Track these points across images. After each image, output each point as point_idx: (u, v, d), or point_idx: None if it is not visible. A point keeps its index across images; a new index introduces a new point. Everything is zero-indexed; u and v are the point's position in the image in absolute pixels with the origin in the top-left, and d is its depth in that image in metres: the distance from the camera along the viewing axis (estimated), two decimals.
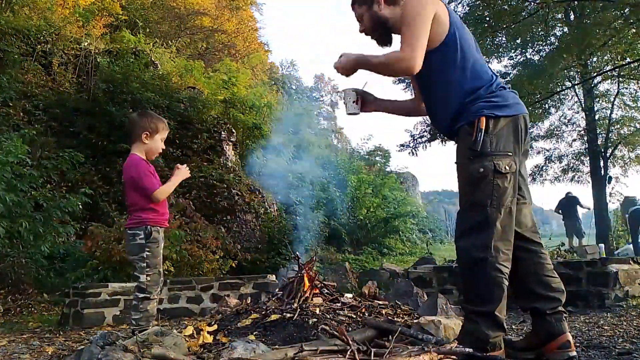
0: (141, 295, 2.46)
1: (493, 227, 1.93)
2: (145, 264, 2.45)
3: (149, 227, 2.46)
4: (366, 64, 2.09)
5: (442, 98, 2.12)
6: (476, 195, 1.97)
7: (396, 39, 2.18)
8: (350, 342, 1.90)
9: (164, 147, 2.70)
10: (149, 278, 2.46)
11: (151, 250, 2.47)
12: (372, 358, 1.81)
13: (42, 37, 10.11)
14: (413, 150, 12.76)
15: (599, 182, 11.88)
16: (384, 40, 2.23)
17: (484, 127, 1.95)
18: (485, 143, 1.95)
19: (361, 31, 2.24)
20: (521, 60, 11.89)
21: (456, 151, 2.11)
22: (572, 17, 10.92)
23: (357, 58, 2.11)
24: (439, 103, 2.16)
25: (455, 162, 2.10)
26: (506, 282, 1.95)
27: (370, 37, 2.24)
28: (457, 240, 2.05)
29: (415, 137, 12.82)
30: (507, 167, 1.95)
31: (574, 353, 2.05)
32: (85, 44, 10.91)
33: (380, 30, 2.20)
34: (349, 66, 2.13)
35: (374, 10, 2.17)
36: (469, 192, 2.01)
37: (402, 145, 13.24)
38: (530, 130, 13.63)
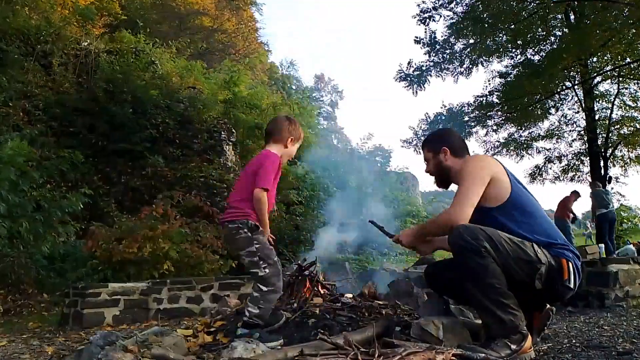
0: (265, 289, 2.29)
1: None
2: (257, 258, 2.30)
3: (250, 221, 2.31)
4: (424, 232, 2.45)
5: None
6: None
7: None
8: (353, 345, 1.90)
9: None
10: (267, 270, 2.29)
11: (260, 242, 2.33)
12: (375, 358, 1.81)
13: (42, 37, 10.11)
14: (416, 148, 12.77)
15: (599, 182, 11.89)
16: (443, 184, 2.50)
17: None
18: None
19: (426, 171, 2.53)
20: (521, 60, 11.89)
21: None
22: (572, 17, 10.92)
23: (417, 232, 2.46)
24: None
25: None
26: None
27: (432, 177, 2.52)
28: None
29: (419, 135, 12.83)
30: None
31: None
32: (85, 44, 10.91)
33: (441, 176, 2.46)
34: (411, 241, 2.47)
35: (439, 159, 2.42)
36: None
37: (405, 141, 13.25)
38: (531, 130, 13.70)
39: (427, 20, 11.56)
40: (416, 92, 12.26)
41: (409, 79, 12.18)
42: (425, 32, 11.80)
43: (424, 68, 12.13)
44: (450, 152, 2.39)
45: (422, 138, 12.74)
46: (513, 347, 2.00)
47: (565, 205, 10.45)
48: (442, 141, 2.44)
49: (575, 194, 10.50)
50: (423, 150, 2.52)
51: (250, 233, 2.31)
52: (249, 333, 2.23)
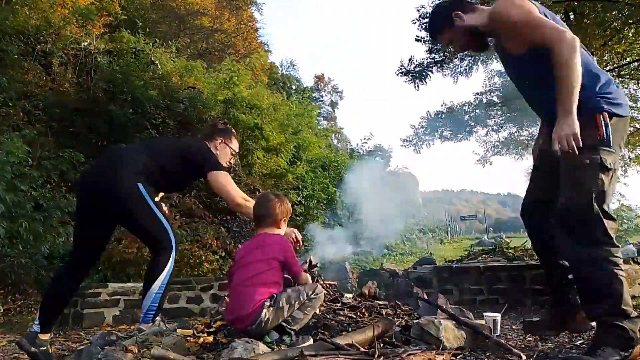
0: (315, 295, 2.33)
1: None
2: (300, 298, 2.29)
3: (272, 295, 2.25)
4: (573, 94, 1.91)
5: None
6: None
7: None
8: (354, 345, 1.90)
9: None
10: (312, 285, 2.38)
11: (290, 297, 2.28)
12: (375, 359, 1.81)
13: (42, 37, 10.10)
14: (416, 147, 12.78)
15: None
16: (482, 46, 2.28)
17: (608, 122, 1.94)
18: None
19: (460, 50, 2.33)
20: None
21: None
22: (572, 17, 10.92)
23: (566, 111, 1.91)
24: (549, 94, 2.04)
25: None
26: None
27: (469, 50, 2.31)
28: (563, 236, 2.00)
29: (419, 134, 12.84)
30: (612, 164, 1.96)
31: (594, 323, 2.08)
32: (85, 43, 10.90)
33: (475, 39, 2.23)
34: (575, 129, 1.91)
35: (459, 26, 2.19)
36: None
37: (405, 140, 13.25)
38: (531, 130, 13.71)
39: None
40: (418, 86, 12.25)
41: (410, 74, 12.17)
42: (427, 35, 11.81)
43: (424, 65, 12.13)
44: (463, 12, 2.19)
45: (423, 137, 12.77)
46: (623, 353, 1.88)
47: None
48: (445, 11, 2.23)
49: None
50: (438, 38, 2.31)
51: (279, 303, 2.22)
52: (280, 338, 2.24)
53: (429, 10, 11.49)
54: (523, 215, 2.37)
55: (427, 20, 11.85)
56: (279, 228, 2.49)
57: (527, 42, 2.04)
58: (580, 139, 1.89)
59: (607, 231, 1.93)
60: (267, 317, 2.18)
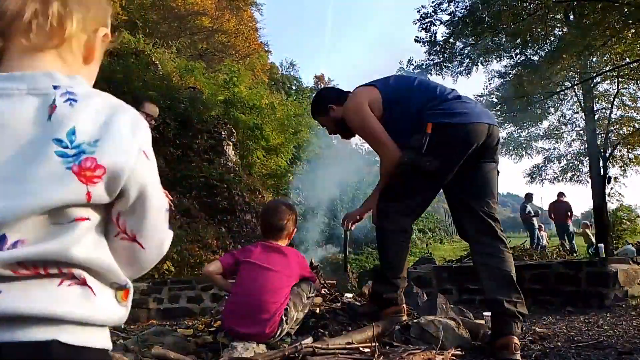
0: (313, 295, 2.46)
1: None
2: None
3: (285, 310, 2.24)
4: (373, 201, 2.58)
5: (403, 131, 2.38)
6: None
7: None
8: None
9: None
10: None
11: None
12: (375, 358, 1.81)
13: None
14: None
15: (598, 182, 11.89)
16: (347, 135, 2.65)
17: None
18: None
19: (330, 133, 2.74)
20: (521, 60, 11.90)
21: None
22: (571, 17, 10.93)
23: (368, 204, 2.70)
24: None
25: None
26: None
27: (336, 134, 2.70)
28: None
29: None
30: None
31: None
32: None
33: (341, 128, 2.61)
34: (368, 211, 2.70)
35: (331, 116, 2.61)
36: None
37: None
38: (530, 130, 13.70)
39: (429, 25, 11.58)
40: None
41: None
42: (426, 35, 11.83)
43: (424, 67, 12.14)
44: (336, 105, 2.57)
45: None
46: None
47: (563, 208, 10.62)
48: (324, 102, 2.64)
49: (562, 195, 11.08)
50: (316, 119, 2.75)
51: (291, 314, 2.24)
52: (280, 339, 2.26)
53: (430, 11, 11.51)
54: None
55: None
56: (290, 238, 2.46)
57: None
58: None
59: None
60: (285, 329, 2.22)
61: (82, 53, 0.78)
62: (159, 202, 0.70)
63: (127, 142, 0.66)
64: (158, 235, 0.72)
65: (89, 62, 0.80)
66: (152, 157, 0.70)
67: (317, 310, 2.59)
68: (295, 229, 2.48)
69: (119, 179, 0.64)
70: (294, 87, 24.32)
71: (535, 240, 10.59)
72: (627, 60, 10.29)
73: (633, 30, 8.98)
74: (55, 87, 0.66)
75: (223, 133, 10.84)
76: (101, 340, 0.68)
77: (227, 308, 2.31)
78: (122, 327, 3.24)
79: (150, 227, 0.70)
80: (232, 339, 2.20)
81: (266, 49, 24.53)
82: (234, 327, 2.19)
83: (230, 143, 10.98)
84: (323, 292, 2.91)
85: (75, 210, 0.64)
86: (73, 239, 0.63)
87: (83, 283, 0.65)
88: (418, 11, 11.56)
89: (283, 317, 2.18)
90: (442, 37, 11.91)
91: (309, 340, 2.17)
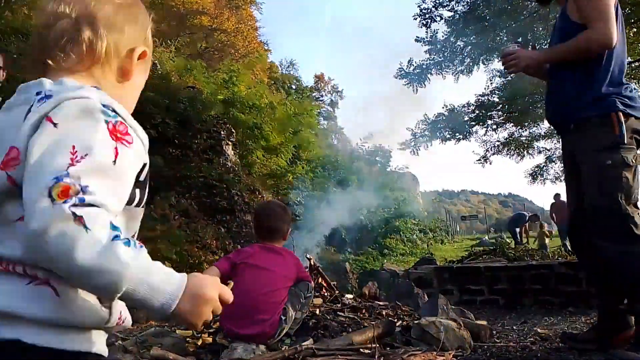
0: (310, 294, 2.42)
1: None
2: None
3: (284, 309, 2.26)
4: (556, 56, 2.16)
5: (581, 80, 2.10)
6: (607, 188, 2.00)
7: None
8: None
9: None
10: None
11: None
12: (375, 359, 1.80)
13: None
14: (414, 149, 12.76)
15: None
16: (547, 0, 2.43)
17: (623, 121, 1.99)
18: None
19: None
20: None
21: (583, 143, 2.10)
22: None
23: (545, 56, 2.22)
24: (574, 84, 2.12)
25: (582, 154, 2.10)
26: None
27: None
28: (597, 241, 2.03)
29: (417, 136, 12.82)
30: (633, 160, 2.00)
31: None
32: None
33: None
34: (534, 65, 2.22)
35: None
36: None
37: (403, 143, 13.24)
38: (531, 130, 13.67)
39: (429, 21, 11.54)
40: (416, 89, 12.24)
41: (409, 77, 12.16)
42: (427, 32, 11.79)
43: (424, 67, 12.12)
44: None
45: (421, 138, 12.77)
46: None
47: (565, 209, 10.69)
48: None
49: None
50: None
51: (289, 314, 2.25)
52: (280, 340, 2.26)
53: (430, 5, 11.47)
54: (571, 234, 2.35)
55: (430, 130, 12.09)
56: (285, 240, 2.47)
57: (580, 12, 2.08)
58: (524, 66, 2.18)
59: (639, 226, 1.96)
60: (285, 329, 2.23)
61: (117, 74, 0.81)
62: (38, 167, 0.61)
63: (33, 114, 0.66)
64: (28, 206, 0.60)
65: (123, 81, 0.83)
66: (61, 124, 0.65)
67: (317, 312, 2.57)
68: (290, 229, 2.48)
69: (23, 153, 0.64)
70: (293, 87, 24.30)
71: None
72: (628, 60, 10.28)
73: (634, 30, 8.97)
74: (37, 93, 0.69)
75: (222, 133, 10.83)
76: (77, 342, 0.66)
77: (224, 310, 2.30)
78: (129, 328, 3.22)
79: (24, 194, 0.61)
80: (232, 340, 2.18)
81: (266, 48, 24.54)
82: (233, 328, 2.18)
83: (230, 143, 10.97)
84: (323, 293, 2.90)
85: (14, 208, 0.65)
86: (16, 237, 0.63)
87: (45, 283, 0.64)
88: (418, 6, 11.52)
89: (282, 317, 2.19)
90: (443, 36, 11.89)
91: (309, 342, 2.15)
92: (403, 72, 12.24)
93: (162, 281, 0.64)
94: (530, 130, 13.44)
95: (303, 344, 2.09)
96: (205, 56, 17.63)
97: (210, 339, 2.37)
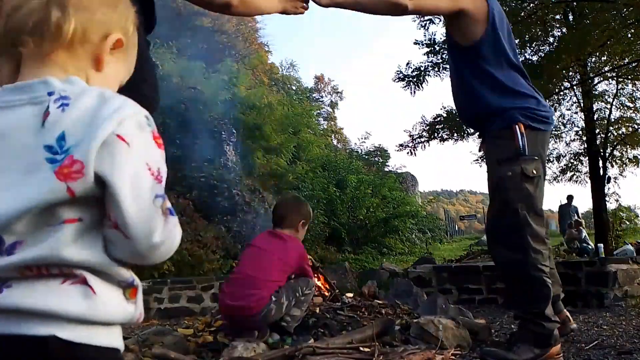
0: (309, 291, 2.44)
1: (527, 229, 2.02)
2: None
3: (276, 292, 2.31)
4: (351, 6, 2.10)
5: (478, 92, 2.16)
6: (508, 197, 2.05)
7: None
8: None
9: None
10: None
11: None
12: (374, 358, 1.82)
13: None
14: (412, 150, 12.76)
15: (598, 182, 11.90)
16: None
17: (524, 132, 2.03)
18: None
19: None
20: (520, 60, 11.88)
21: (490, 152, 2.21)
22: (570, 17, 10.93)
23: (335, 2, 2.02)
24: (473, 95, 2.19)
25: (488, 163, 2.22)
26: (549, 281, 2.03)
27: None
28: (493, 246, 2.16)
29: (414, 137, 12.81)
30: (534, 171, 2.04)
31: (574, 325, 2.34)
32: None
33: None
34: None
35: None
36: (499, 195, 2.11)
37: (400, 145, 13.24)
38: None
39: (427, 23, 11.55)
40: (414, 92, 12.25)
41: (407, 79, 12.17)
42: (425, 35, 11.80)
43: (422, 68, 12.12)
44: None
45: (418, 139, 12.79)
46: (537, 351, 1.98)
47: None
48: None
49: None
50: None
51: (281, 299, 2.28)
52: (281, 338, 2.29)
53: None
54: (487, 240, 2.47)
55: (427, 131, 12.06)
56: (297, 231, 2.52)
57: None
58: None
59: (536, 237, 2.03)
60: (272, 312, 2.25)
61: (91, 59, 0.76)
62: (136, 190, 0.66)
63: (99, 131, 0.64)
64: (142, 226, 0.66)
65: (100, 69, 0.77)
66: (133, 143, 0.66)
67: (317, 310, 2.59)
68: (302, 222, 2.52)
69: (89, 168, 0.64)
70: (293, 87, 24.30)
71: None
72: (626, 60, 10.29)
73: (632, 30, 8.98)
74: (49, 94, 0.67)
75: (223, 133, 10.86)
76: (107, 338, 0.69)
77: (224, 287, 2.44)
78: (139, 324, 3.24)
79: (128, 215, 0.65)
80: (228, 334, 2.25)
81: (266, 49, 24.54)
82: (223, 299, 2.33)
83: (230, 143, 11.00)
84: (324, 292, 2.92)
85: (64, 211, 0.65)
86: (62, 241, 0.64)
87: (83, 282, 0.66)
88: None
89: (273, 297, 2.24)
90: (442, 38, 11.89)
91: (309, 341, 2.17)
92: (401, 74, 12.24)
93: None
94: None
95: (303, 342, 2.11)
96: (206, 57, 17.63)
97: (211, 338, 2.40)
